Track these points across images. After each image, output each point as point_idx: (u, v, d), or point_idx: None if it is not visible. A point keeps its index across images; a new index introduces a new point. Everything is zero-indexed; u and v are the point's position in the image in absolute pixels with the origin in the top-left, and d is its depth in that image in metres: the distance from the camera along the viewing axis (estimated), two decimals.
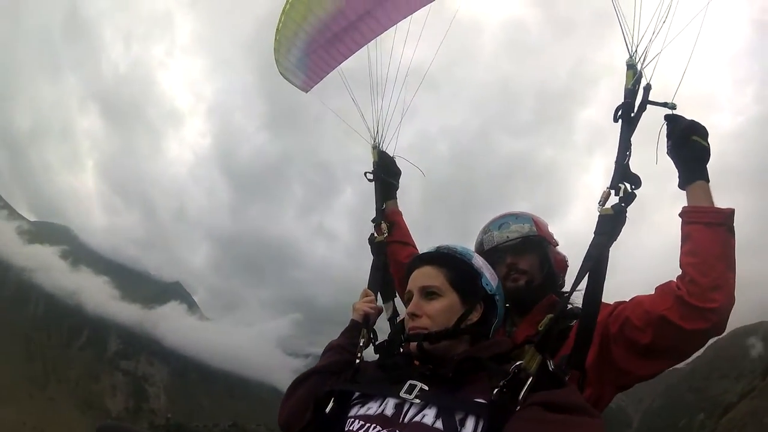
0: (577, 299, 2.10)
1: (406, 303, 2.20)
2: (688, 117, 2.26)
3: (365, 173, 3.38)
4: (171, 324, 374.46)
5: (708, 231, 2.06)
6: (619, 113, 2.22)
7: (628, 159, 2.13)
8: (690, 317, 1.99)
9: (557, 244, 2.86)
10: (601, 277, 1.98)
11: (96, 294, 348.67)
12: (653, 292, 2.20)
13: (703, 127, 2.23)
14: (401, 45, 3.30)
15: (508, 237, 2.71)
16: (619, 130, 2.20)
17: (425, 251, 2.27)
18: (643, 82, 2.23)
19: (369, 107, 3.36)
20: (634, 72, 2.25)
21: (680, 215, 2.20)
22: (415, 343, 2.00)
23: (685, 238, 2.14)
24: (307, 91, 3.75)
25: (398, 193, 3.47)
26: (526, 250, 2.70)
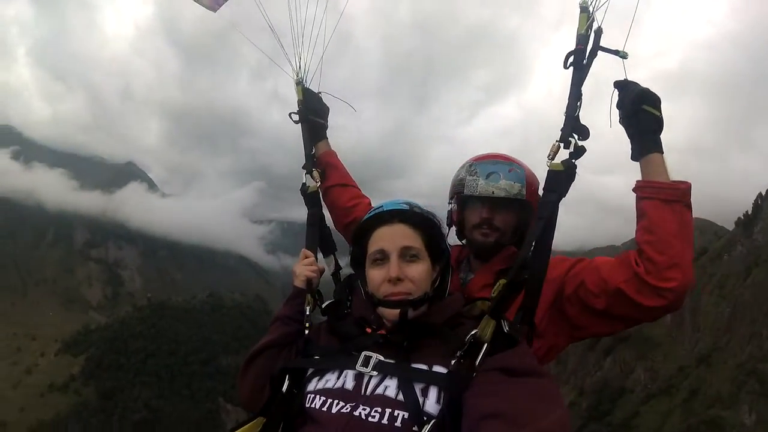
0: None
1: (369, 262, 1.95)
2: (642, 85, 2.10)
3: (290, 114, 3.02)
4: (133, 206, 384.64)
5: (665, 208, 2.01)
6: (571, 61, 2.03)
7: (579, 110, 1.98)
8: (646, 294, 1.98)
9: None
10: (550, 237, 1.94)
11: (54, 189, 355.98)
12: (613, 259, 2.16)
13: (655, 95, 2.08)
14: None
15: (493, 192, 2.42)
16: (571, 79, 2.02)
17: (395, 207, 1.97)
18: (594, 26, 2.03)
19: (291, 35, 2.89)
20: (587, 15, 2.03)
21: (634, 190, 2.12)
22: (397, 310, 1.82)
23: (641, 214, 2.07)
24: (215, 11, 3.30)
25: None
26: (507, 208, 2.47)
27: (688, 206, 2.05)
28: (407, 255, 1.88)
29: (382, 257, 1.90)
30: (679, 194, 2.03)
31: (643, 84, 2.14)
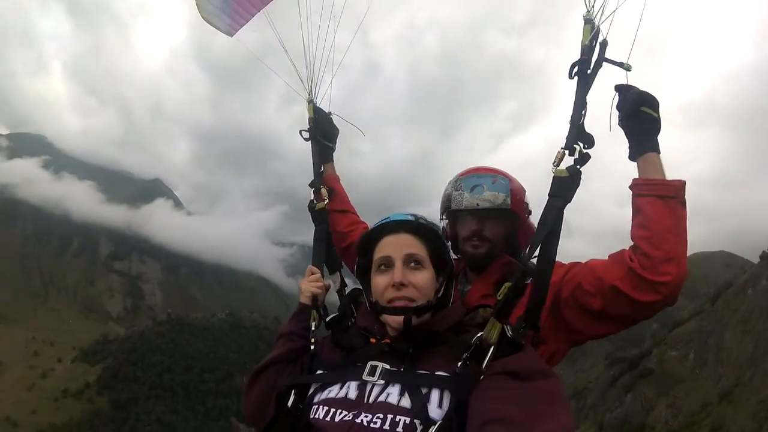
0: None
1: (374, 269, 2.00)
2: (640, 88, 2.14)
3: (300, 131, 3.06)
4: (158, 221, 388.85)
5: (660, 204, 2.04)
6: (575, 70, 2.08)
7: (584, 118, 2.05)
8: (642, 289, 2.00)
9: (530, 213, 2.68)
10: (555, 242, 1.98)
11: (82, 200, 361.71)
12: (607, 259, 2.19)
13: (653, 97, 2.13)
14: None
15: (477, 204, 2.48)
16: (575, 89, 2.08)
17: (400, 218, 2.04)
18: (600, 38, 2.08)
19: (303, 54, 2.92)
20: (591, 27, 2.07)
21: (631, 188, 2.15)
22: (401, 317, 1.86)
23: (637, 210, 2.11)
24: (232, 35, 3.46)
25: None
26: (495, 218, 2.53)
27: (683, 203, 2.07)
28: (411, 262, 1.93)
29: (387, 264, 1.95)
30: (674, 191, 2.06)
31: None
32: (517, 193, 2.55)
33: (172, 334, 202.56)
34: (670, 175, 2.14)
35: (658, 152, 2.15)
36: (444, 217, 2.69)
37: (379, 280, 1.95)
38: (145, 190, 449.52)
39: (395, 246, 1.96)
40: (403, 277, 1.89)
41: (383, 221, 2.07)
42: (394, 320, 1.87)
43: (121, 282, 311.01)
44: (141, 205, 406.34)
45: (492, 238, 2.52)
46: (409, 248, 1.94)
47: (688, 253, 2.08)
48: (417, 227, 2.00)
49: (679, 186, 2.07)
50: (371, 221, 2.60)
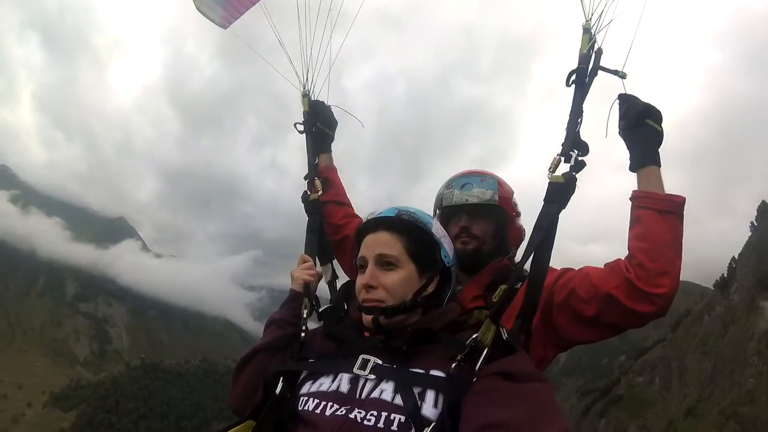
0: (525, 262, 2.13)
1: (357, 269, 2.01)
2: (644, 100, 2.20)
3: (295, 124, 3.01)
4: (125, 263, 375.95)
5: (659, 218, 2.07)
6: (573, 78, 2.11)
7: (580, 126, 2.06)
8: (636, 299, 2.01)
9: (519, 215, 2.67)
10: (550, 246, 1.97)
11: (48, 237, 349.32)
12: (602, 267, 2.20)
13: (658, 110, 2.17)
14: None
15: (467, 200, 2.52)
16: (572, 96, 2.10)
17: (382, 214, 2.03)
18: (596, 47, 2.12)
19: (300, 47, 2.90)
20: (589, 36, 2.12)
21: (631, 199, 2.17)
22: (370, 316, 1.87)
23: (635, 221, 2.12)
24: (226, 28, 3.39)
25: (339, 145, 3.17)
26: (483, 215, 2.53)
27: (681, 219, 2.11)
28: (382, 263, 1.91)
29: (363, 265, 1.95)
30: (674, 206, 2.10)
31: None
32: (505, 192, 2.60)
33: (146, 380, 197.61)
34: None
35: (659, 165, 2.18)
36: (436, 217, 2.64)
37: (357, 281, 1.97)
38: (111, 229, 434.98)
39: (370, 246, 1.95)
40: (372, 279, 1.89)
41: (368, 218, 2.08)
42: (365, 318, 1.90)
43: (88, 324, 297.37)
44: (108, 245, 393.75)
45: (480, 235, 2.52)
46: (382, 248, 1.92)
47: None
48: (396, 224, 1.97)
49: (680, 202, 2.11)
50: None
